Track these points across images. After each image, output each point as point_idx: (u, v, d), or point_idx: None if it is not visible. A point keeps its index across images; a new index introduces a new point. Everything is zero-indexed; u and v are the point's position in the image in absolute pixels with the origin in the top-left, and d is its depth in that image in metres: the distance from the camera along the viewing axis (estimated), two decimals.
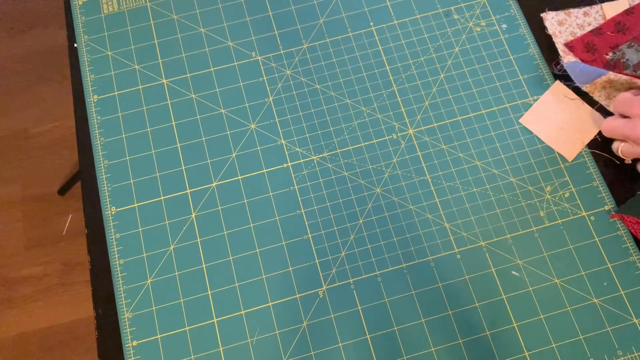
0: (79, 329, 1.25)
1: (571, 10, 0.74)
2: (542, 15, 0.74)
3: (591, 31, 0.72)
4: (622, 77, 0.66)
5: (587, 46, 0.70)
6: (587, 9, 0.74)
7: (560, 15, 0.72)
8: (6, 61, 1.48)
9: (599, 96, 0.68)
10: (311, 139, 0.68)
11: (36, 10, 1.53)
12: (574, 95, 0.69)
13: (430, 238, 0.64)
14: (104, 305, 0.62)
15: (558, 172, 0.67)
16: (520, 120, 0.69)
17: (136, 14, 0.75)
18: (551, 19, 0.72)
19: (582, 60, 0.70)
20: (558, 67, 0.71)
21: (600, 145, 0.68)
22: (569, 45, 0.71)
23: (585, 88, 0.69)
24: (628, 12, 0.73)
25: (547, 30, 0.72)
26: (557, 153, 0.67)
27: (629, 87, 0.66)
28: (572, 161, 0.67)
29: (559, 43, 0.71)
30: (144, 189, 0.66)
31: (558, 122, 0.68)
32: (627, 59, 0.69)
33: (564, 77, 0.71)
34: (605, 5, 0.73)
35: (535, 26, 0.74)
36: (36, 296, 1.27)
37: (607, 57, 0.69)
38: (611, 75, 0.66)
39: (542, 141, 0.68)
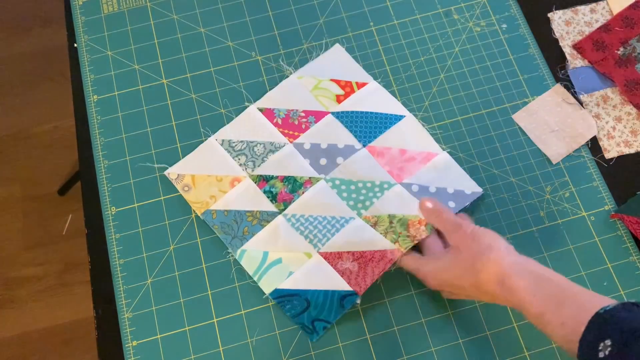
0: (79, 329, 1.24)
1: (578, 7, 0.74)
2: (549, 15, 0.74)
3: (599, 28, 0.72)
4: (618, 97, 0.67)
5: (597, 44, 0.70)
6: (593, 5, 0.74)
7: (568, 13, 0.72)
8: (6, 61, 1.48)
9: (590, 110, 0.69)
10: None
11: (36, 10, 1.53)
12: (572, 100, 0.69)
13: None
14: (104, 305, 0.62)
15: (558, 172, 0.67)
16: (514, 116, 0.69)
17: (136, 14, 0.75)
18: (558, 19, 0.72)
19: (592, 62, 0.70)
20: (562, 71, 0.71)
21: (597, 149, 0.68)
22: (578, 47, 0.71)
23: (582, 97, 0.69)
24: (634, 6, 0.73)
25: (553, 34, 0.72)
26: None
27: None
28: (556, 164, 0.67)
29: (567, 46, 0.71)
30: (144, 189, 0.66)
31: (551, 123, 0.68)
32: (639, 53, 0.69)
33: (567, 82, 0.71)
34: (610, 0, 0.74)
35: (535, 26, 0.74)
36: (36, 296, 1.27)
37: (618, 52, 0.69)
38: (609, 91, 0.67)
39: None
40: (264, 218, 0.63)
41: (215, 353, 0.59)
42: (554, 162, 0.67)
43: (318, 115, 0.67)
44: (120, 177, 0.67)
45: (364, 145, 0.66)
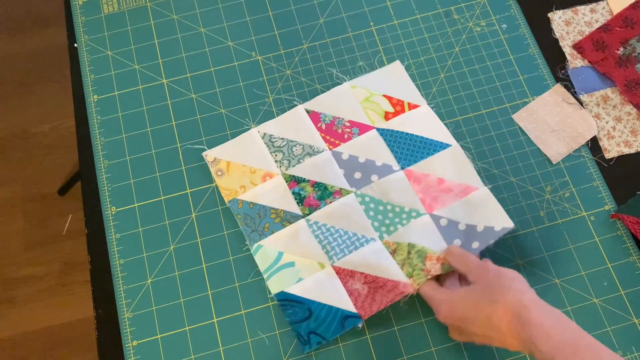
0: (79, 329, 1.24)
1: (578, 7, 0.74)
2: (549, 15, 0.74)
3: (599, 28, 0.72)
4: (618, 97, 0.67)
5: (597, 44, 0.70)
6: (593, 5, 0.74)
7: (568, 13, 0.72)
8: (6, 61, 1.48)
9: (590, 110, 0.69)
10: None
11: (36, 10, 1.53)
12: (572, 100, 0.69)
13: None
14: (104, 305, 0.62)
15: (558, 172, 0.67)
16: (514, 116, 0.69)
17: (136, 14, 0.75)
18: (558, 19, 0.72)
19: (592, 62, 0.70)
20: (562, 71, 0.71)
21: (597, 149, 0.68)
22: (578, 47, 0.71)
23: (582, 97, 0.69)
24: (634, 6, 0.73)
25: (554, 34, 0.72)
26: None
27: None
28: (556, 164, 0.67)
29: (567, 46, 0.71)
30: (144, 189, 0.66)
31: (551, 123, 0.68)
32: (639, 53, 0.69)
33: (567, 82, 0.71)
34: (610, 0, 0.74)
35: (535, 26, 0.74)
36: (36, 296, 1.27)
37: (618, 52, 0.69)
38: (609, 91, 0.67)
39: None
40: (287, 218, 0.63)
41: (215, 353, 0.59)
42: (554, 162, 0.67)
43: (363, 128, 0.67)
44: (120, 177, 0.67)
45: (402, 168, 0.64)
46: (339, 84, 0.70)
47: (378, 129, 0.66)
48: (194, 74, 0.72)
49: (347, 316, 0.59)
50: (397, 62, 0.71)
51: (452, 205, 0.62)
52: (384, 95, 0.68)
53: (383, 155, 0.65)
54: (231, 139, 0.68)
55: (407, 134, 0.66)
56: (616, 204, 0.65)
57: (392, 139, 0.65)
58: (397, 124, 0.67)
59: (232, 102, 0.70)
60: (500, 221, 0.61)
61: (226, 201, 0.64)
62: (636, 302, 0.61)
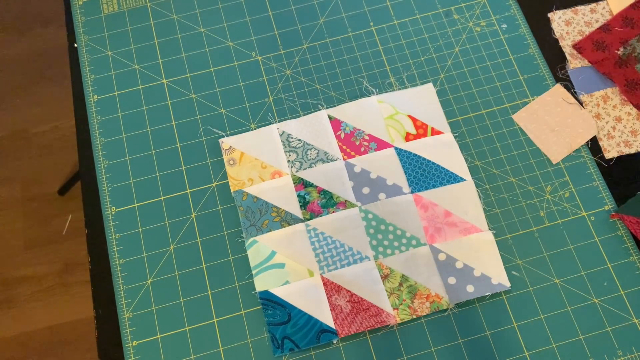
0: (79, 329, 1.25)
1: (578, 7, 0.74)
2: (549, 15, 0.74)
3: (599, 28, 0.72)
4: (618, 97, 0.67)
5: (597, 44, 0.70)
6: (593, 5, 0.74)
7: (568, 13, 0.72)
8: (6, 61, 1.48)
9: (590, 110, 0.69)
10: None
11: (36, 10, 1.53)
12: (572, 100, 0.69)
13: None
14: (104, 305, 0.62)
15: (558, 172, 0.67)
16: (514, 116, 0.69)
17: (136, 14, 0.75)
18: (558, 19, 0.72)
19: (592, 61, 0.70)
20: (562, 71, 0.71)
21: (596, 148, 0.68)
22: (578, 47, 0.71)
23: (582, 97, 0.69)
24: (634, 6, 0.73)
25: (554, 34, 0.72)
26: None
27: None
28: (556, 164, 0.67)
29: (567, 46, 0.71)
30: (144, 189, 0.66)
31: (551, 123, 0.68)
32: (639, 53, 0.69)
33: (567, 82, 0.71)
34: (610, 0, 0.74)
35: (535, 26, 0.74)
36: (36, 296, 1.27)
37: (618, 52, 0.69)
38: (609, 91, 0.67)
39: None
40: (286, 219, 0.63)
41: (215, 353, 0.59)
42: (554, 162, 0.67)
43: (381, 144, 0.66)
44: (120, 177, 0.67)
45: (412, 192, 0.64)
46: (340, 84, 0.70)
47: (396, 149, 0.66)
48: (194, 74, 0.72)
49: (324, 330, 0.59)
50: (430, 85, 0.70)
51: (454, 241, 0.62)
52: (409, 116, 0.68)
53: (396, 175, 0.65)
54: None
55: (424, 158, 0.65)
56: (616, 204, 0.65)
57: (408, 160, 0.65)
58: (416, 146, 0.66)
59: (232, 102, 0.70)
60: (498, 275, 0.61)
61: (232, 191, 0.64)
62: (636, 302, 0.61)
